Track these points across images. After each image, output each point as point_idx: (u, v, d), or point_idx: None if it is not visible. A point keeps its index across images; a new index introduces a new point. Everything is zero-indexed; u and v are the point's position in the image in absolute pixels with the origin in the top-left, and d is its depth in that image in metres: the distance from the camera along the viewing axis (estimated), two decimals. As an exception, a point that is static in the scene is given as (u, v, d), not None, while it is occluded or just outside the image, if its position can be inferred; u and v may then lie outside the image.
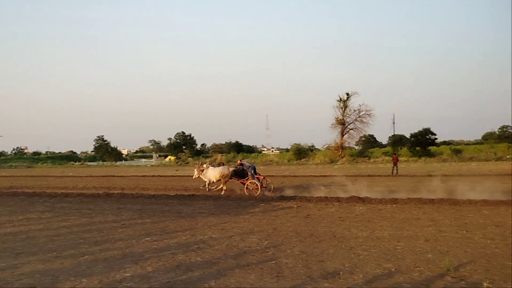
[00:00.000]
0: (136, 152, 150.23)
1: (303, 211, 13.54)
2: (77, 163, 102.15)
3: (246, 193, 18.45)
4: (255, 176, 19.23)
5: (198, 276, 6.54)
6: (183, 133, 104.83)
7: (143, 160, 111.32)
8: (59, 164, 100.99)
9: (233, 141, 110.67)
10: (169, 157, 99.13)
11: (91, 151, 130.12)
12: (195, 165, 20.81)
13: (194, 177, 20.18)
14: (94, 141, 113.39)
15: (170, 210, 14.34)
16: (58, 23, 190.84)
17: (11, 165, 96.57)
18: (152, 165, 76.89)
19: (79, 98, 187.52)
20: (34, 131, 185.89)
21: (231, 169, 19.47)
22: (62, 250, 8.40)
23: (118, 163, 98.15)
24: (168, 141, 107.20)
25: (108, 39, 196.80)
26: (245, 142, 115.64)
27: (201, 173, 19.67)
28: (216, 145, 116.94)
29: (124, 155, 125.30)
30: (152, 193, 19.88)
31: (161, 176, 38.16)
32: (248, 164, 19.99)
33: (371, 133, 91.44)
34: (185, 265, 7.17)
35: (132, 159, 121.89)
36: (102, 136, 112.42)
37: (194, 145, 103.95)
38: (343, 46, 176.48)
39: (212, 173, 19.28)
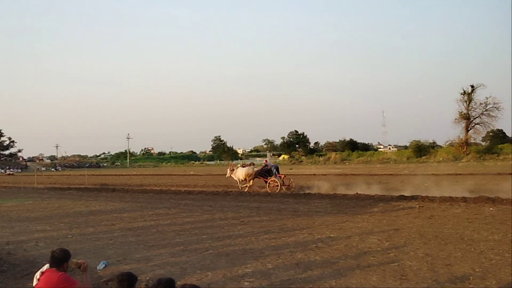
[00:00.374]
0: (251, 151, 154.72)
1: (425, 211, 12.81)
2: (197, 162, 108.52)
3: (269, 190, 20.44)
4: (278, 175, 21.13)
5: (317, 275, 6.53)
6: (296, 131, 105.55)
7: (258, 159, 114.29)
8: (181, 163, 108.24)
9: (347, 138, 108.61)
10: (282, 155, 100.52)
11: (209, 151, 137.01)
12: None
13: (226, 176, 23.52)
14: (212, 141, 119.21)
15: (287, 209, 14.53)
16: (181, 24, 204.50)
17: (140, 165, 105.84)
18: (266, 164, 78.61)
19: (199, 101, 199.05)
20: (159, 133, 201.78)
21: (255, 169, 21.80)
22: (188, 244, 8.96)
23: (234, 162, 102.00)
24: (282, 140, 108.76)
25: (236, 40, 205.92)
26: (360, 139, 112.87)
27: (231, 173, 22.84)
28: (330, 143, 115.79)
29: (239, 154, 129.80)
30: (268, 192, 20.33)
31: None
32: (272, 164, 22.33)
33: (499, 128, 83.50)
34: (304, 263, 7.20)
35: (247, 158, 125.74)
36: (219, 136, 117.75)
37: (307, 144, 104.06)
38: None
39: (240, 172, 22.11)
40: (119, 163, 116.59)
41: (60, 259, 4.39)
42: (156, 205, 16.60)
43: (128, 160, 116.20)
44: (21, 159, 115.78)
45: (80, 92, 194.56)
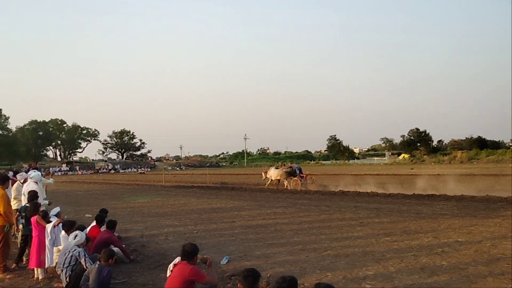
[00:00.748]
0: (368, 150, 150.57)
1: None
2: (312, 162, 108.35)
3: (292, 187, 24.44)
4: (300, 175, 25.35)
5: (444, 281, 6.14)
6: (417, 129, 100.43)
7: (376, 158, 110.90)
8: (296, 162, 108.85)
9: (475, 136, 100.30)
10: (402, 155, 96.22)
11: (324, 150, 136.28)
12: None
13: (262, 178, 28.19)
14: (327, 140, 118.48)
15: (409, 210, 13.89)
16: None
17: (257, 164, 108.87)
18: (385, 164, 75.94)
19: (314, 101, 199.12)
20: (275, 133, 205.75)
21: (284, 170, 25.33)
22: (307, 244, 9.02)
23: (350, 161, 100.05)
24: (401, 139, 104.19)
25: (338, 41, 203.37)
26: (489, 136, 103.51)
27: (265, 175, 27.32)
28: (455, 141, 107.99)
29: (356, 154, 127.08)
30: (387, 192, 19.63)
31: (395, 174, 37.37)
32: (296, 166, 27.01)
33: None
34: (430, 268, 6.82)
35: (364, 158, 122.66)
36: (335, 135, 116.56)
37: (429, 142, 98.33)
38: None
39: (272, 173, 26.10)
40: (237, 163, 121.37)
41: (190, 253, 4.72)
42: (273, 204, 16.96)
43: (245, 160, 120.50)
44: (150, 159, 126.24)
45: (202, 96, 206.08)
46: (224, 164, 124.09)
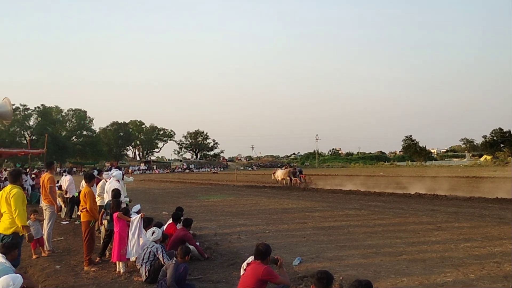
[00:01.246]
0: (446, 151, 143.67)
1: None
2: (386, 163, 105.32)
3: (293, 185, 29.53)
4: (300, 175, 30.79)
5: (533, 292, 5.74)
6: (501, 129, 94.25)
7: (455, 160, 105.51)
8: (370, 164, 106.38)
9: None
10: (484, 156, 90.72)
11: (399, 151, 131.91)
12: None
13: (272, 178, 33.23)
14: (402, 141, 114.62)
15: (490, 215, 13.11)
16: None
17: (328, 165, 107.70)
18: (465, 165, 72.00)
19: (387, 98, 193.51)
20: (347, 133, 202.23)
21: (288, 170, 31.05)
22: (380, 247, 8.80)
23: (427, 163, 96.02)
24: (483, 139, 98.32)
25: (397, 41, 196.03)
26: None
27: (274, 175, 32.98)
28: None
29: (433, 155, 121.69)
30: (467, 196, 18.63)
31: (476, 177, 35.34)
32: (298, 168, 34.50)
33: None
34: (515, 278, 6.40)
35: (442, 159, 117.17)
36: (411, 135, 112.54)
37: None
38: None
39: (278, 173, 31.78)
40: (308, 163, 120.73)
41: (264, 253, 4.80)
42: (345, 206, 16.71)
43: (316, 160, 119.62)
44: (222, 159, 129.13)
45: (273, 97, 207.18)
46: (295, 164, 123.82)
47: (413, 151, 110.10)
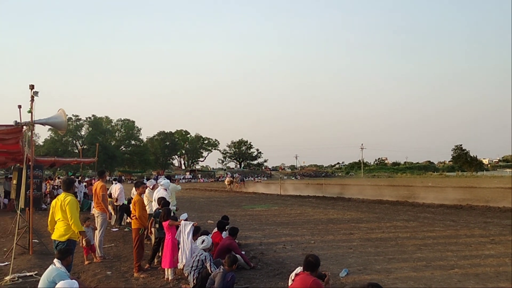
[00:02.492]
0: (499, 161, 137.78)
1: None
2: (435, 173, 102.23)
3: (234, 188, 42.98)
4: (241, 182, 50.51)
5: None
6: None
7: (508, 170, 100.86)
8: (417, 174, 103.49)
9: None
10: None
11: (449, 161, 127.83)
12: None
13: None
14: (452, 150, 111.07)
15: (550, 229, 12.43)
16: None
17: (374, 175, 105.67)
18: (520, 176, 68.69)
19: (435, 107, 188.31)
20: (393, 143, 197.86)
21: (229, 178, 46.52)
22: (431, 260, 8.53)
23: (478, 173, 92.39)
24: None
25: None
26: None
27: (226, 181, 46.31)
28: None
29: (485, 165, 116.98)
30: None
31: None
32: (239, 176, 53.96)
33: None
34: None
35: (494, 169, 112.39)
36: (461, 145, 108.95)
37: None
38: None
39: (226, 180, 46.83)
40: (353, 173, 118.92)
41: (314, 264, 4.77)
42: (393, 217, 16.33)
43: (362, 170, 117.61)
44: (266, 168, 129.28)
45: (317, 106, 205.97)
46: (339, 174, 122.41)
47: (463, 161, 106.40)
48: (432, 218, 15.85)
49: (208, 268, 6.72)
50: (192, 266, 6.85)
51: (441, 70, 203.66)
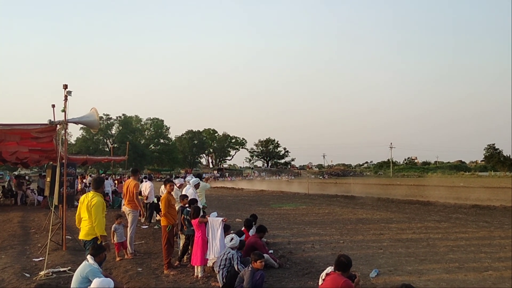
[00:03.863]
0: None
1: None
2: (467, 173, 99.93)
3: None
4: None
5: None
6: None
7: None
8: (448, 174, 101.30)
9: None
10: None
11: (481, 161, 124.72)
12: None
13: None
14: (484, 150, 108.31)
15: None
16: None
17: (403, 175, 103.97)
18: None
19: (467, 104, 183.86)
20: (424, 141, 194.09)
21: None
22: (464, 262, 8.33)
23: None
24: None
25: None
26: None
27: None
28: None
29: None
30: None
31: None
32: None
33: None
34: None
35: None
36: (493, 144, 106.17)
37: None
38: None
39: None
40: (381, 173, 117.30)
41: (346, 265, 4.72)
42: (424, 217, 16.02)
43: (391, 170, 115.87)
44: (293, 167, 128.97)
45: (345, 104, 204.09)
46: (368, 173, 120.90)
47: (496, 160, 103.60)
48: (464, 219, 15.48)
49: (236, 266, 6.73)
50: (220, 265, 6.88)
51: (474, 69, 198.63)
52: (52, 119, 9.18)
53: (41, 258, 8.96)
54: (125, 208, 10.18)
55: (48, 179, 14.73)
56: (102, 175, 37.42)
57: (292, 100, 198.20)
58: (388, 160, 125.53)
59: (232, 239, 7.05)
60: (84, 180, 26.57)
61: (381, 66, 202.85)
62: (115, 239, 9.32)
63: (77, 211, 6.93)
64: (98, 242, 6.48)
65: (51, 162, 16.33)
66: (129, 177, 12.09)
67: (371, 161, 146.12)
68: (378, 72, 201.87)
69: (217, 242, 7.44)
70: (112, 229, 9.35)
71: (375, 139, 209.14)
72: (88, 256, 5.69)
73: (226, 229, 7.91)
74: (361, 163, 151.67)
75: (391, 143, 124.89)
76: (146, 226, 14.31)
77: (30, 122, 9.27)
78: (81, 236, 6.71)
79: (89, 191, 6.97)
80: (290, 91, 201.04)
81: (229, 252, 7.00)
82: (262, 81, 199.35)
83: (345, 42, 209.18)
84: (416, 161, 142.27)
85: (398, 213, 17.62)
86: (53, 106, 9.44)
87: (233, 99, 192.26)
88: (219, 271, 6.90)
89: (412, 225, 14.00)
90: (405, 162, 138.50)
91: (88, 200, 6.61)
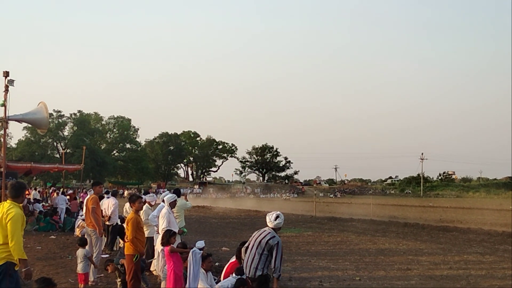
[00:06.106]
0: None
1: None
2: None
3: None
4: None
5: None
6: None
7: None
8: (495, 193, 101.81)
9: None
10: None
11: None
12: None
13: None
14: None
15: None
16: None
17: (438, 194, 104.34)
18: None
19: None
20: (464, 152, 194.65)
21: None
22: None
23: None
24: None
25: None
26: None
27: None
28: None
29: None
30: None
31: None
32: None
33: None
34: None
35: None
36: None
37: None
38: None
39: None
40: (409, 191, 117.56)
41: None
42: (463, 249, 16.12)
43: (421, 187, 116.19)
44: (296, 182, 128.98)
45: (362, 106, 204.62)
46: (392, 191, 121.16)
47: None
48: (515, 251, 15.60)
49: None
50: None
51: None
52: (-12, 116, 9.16)
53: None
54: (86, 229, 10.20)
55: (-19, 192, 14.66)
56: (51, 188, 37.24)
57: (296, 97, 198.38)
58: (418, 175, 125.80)
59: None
60: (27, 195, 26.46)
61: (409, 54, 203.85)
62: (78, 268, 9.21)
63: None
64: (16, 268, 5.99)
65: (-16, 171, 16.25)
66: (86, 192, 12.10)
67: (396, 176, 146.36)
68: (404, 61, 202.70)
69: (197, 280, 7.43)
70: (77, 253, 9.29)
71: (402, 148, 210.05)
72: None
73: (204, 259, 7.90)
74: (383, 179, 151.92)
75: (422, 154, 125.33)
76: (107, 255, 14.26)
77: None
78: None
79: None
80: (293, 85, 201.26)
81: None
82: (258, 72, 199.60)
83: (361, 25, 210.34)
84: (453, 176, 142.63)
85: (430, 243, 17.72)
86: (-11, 98, 9.42)
87: (220, 95, 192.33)
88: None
89: (448, 258, 14.07)
90: (439, 178, 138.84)
91: (2, 213, 6.02)
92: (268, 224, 7.32)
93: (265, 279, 6.82)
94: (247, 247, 7.35)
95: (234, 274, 7.50)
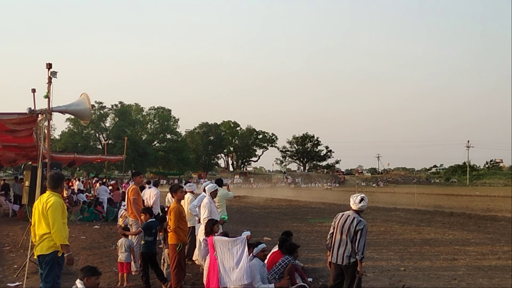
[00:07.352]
0: None
1: None
2: None
3: None
4: None
5: None
6: None
7: None
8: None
9: None
10: None
11: None
12: None
13: None
14: None
15: None
16: None
17: (485, 182, 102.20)
18: None
19: None
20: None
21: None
22: None
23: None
24: None
25: None
26: None
27: None
28: None
29: None
30: None
31: None
32: None
33: None
34: None
35: None
36: None
37: None
38: None
39: None
40: (455, 180, 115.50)
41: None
42: (512, 238, 15.79)
43: (467, 176, 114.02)
44: (338, 171, 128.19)
45: (405, 93, 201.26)
46: (437, 180, 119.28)
47: None
48: None
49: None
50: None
51: None
52: (32, 108, 9.29)
53: (18, 283, 9.15)
54: (128, 219, 10.34)
55: (27, 183, 14.96)
56: (94, 179, 37.91)
57: (337, 82, 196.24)
58: (464, 163, 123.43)
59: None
60: (71, 186, 27.06)
61: (455, 34, 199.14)
62: (121, 257, 9.21)
63: (32, 221, 6.68)
64: (59, 255, 6.28)
65: (29, 162, 16.58)
66: (128, 182, 12.27)
67: (441, 165, 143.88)
68: (450, 42, 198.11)
69: (241, 265, 7.44)
70: (118, 244, 9.37)
71: (447, 136, 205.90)
72: (77, 281, 5.78)
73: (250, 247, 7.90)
74: (427, 167, 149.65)
75: (468, 142, 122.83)
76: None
77: (4, 111, 9.42)
78: (38, 251, 6.38)
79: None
80: (335, 70, 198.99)
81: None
82: (297, 58, 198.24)
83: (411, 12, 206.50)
84: (501, 164, 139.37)
85: (478, 233, 17.47)
86: (33, 91, 9.58)
87: (259, 83, 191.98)
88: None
89: (496, 248, 13.87)
90: (486, 166, 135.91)
91: (43, 203, 6.34)
92: (352, 206, 7.42)
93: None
94: (332, 233, 7.47)
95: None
